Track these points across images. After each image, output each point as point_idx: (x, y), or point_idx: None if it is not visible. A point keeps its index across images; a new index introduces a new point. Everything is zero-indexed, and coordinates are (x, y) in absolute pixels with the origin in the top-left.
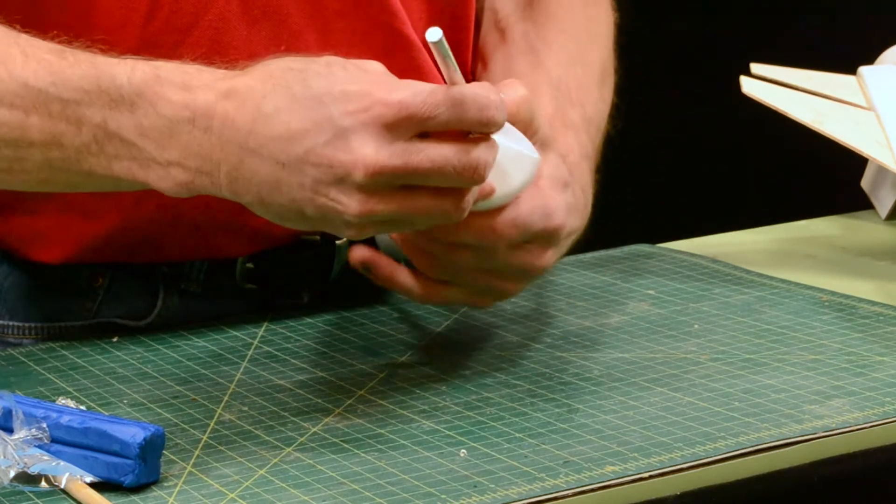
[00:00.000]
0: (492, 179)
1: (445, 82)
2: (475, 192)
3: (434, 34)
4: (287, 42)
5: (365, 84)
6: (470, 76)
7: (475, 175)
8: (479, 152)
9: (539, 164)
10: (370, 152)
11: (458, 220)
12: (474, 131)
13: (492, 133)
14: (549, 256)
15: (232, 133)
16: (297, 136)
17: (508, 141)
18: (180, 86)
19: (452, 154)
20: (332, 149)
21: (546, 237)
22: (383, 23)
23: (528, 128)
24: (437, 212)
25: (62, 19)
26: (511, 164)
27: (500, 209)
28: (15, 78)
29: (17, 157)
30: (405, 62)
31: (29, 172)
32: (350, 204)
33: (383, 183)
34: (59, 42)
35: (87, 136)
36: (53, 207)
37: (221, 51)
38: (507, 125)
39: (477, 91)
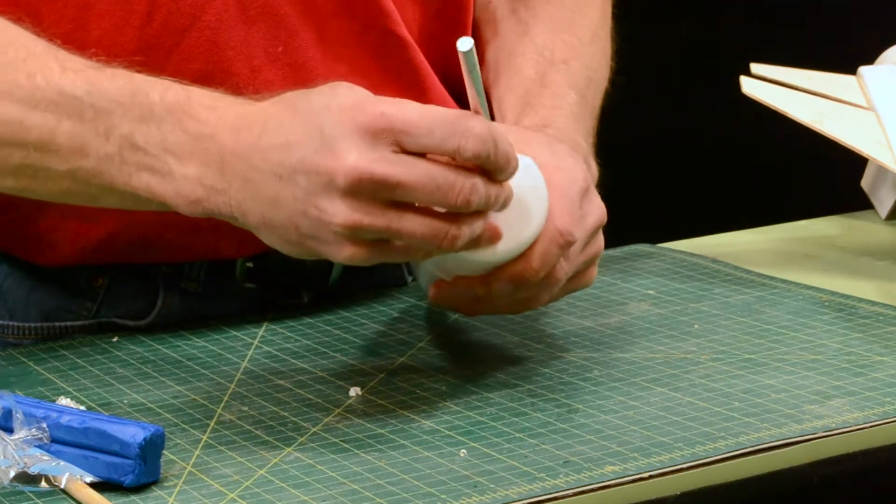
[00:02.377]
0: (511, 222)
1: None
2: (476, 227)
3: (464, 44)
4: (284, 42)
5: (361, 98)
6: None
7: (460, 199)
8: (472, 179)
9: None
10: (353, 157)
11: (449, 250)
12: (467, 161)
13: (500, 176)
14: (600, 240)
15: (242, 149)
16: (293, 146)
17: (526, 181)
18: (207, 106)
19: (439, 172)
20: (319, 156)
21: (591, 232)
22: (377, 23)
23: None
24: (425, 234)
25: (59, 20)
26: (527, 206)
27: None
28: (52, 86)
29: (44, 164)
30: (400, 62)
31: (53, 181)
32: (336, 213)
33: (367, 191)
34: (98, 60)
35: (113, 146)
36: (53, 211)
37: (219, 52)
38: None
39: (466, 122)
